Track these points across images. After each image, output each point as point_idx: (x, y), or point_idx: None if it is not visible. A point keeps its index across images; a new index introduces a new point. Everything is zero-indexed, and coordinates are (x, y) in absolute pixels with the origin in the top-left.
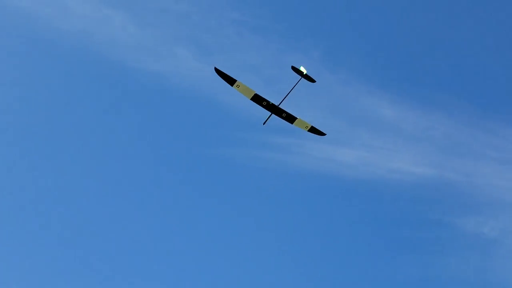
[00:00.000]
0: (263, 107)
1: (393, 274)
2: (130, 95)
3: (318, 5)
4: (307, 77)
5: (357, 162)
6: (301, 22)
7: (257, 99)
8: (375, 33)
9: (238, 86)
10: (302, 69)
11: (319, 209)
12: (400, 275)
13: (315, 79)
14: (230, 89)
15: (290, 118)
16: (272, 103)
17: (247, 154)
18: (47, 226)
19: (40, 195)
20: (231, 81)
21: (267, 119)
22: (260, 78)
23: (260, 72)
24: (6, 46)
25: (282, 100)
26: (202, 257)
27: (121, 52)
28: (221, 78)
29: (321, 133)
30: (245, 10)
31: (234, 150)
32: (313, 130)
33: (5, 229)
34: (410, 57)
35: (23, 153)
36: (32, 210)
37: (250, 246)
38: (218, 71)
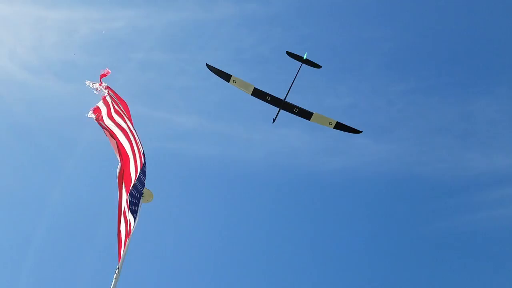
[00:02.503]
0: (267, 102)
1: None
2: (333, 193)
3: (477, 43)
4: (308, 62)
5: None
6: (468, 66)
7: (258, 93)
8: None
9: (234, 81)
10: (305, 57)
11: None
12: None
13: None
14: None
15: (305, 114)
16: (277, 98)
17: (467, 220)
18: None
19: None
20: (226, 77)
21: (276, 115)
22: (453, 134)
23: (451, 130)
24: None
25: (288, 93)
26: None
27: (302, 158)
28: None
29: (355, 131)
30: (410, 79)
31: (451, 221)
32: (341, 126)
33: None
34: None
35: None
36: None
37: None
38: (210, 68)
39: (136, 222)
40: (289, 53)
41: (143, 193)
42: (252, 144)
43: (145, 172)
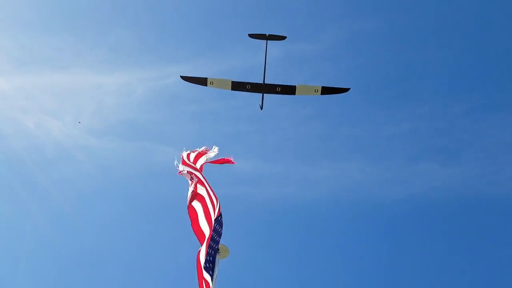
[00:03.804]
0: (249, 91)
1: None
2: (403, 223)
3: None
4: (272, 37)
5: None
6: None
7: (238, 86)
8: None
9: (211, 83)
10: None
11: None
12: None
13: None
14: None
15: (289, 89)
16: (256, 83)
17: None
18: None
19: None
20: (203, 81)
21: (262, 101)
22: None
23: None
24: None
25: (264, 75)
26: None
27: (367, 191)
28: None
29: (343, 90)
30: (470, 98)
31: None
32: (328, 90)
33: None
34: None
35: None
36: None
37: None
38: (185, 78)
39: (215, 280)
40: (251, 35)
41: (218, 249)
42: (313, 182)
43: (221, 223)
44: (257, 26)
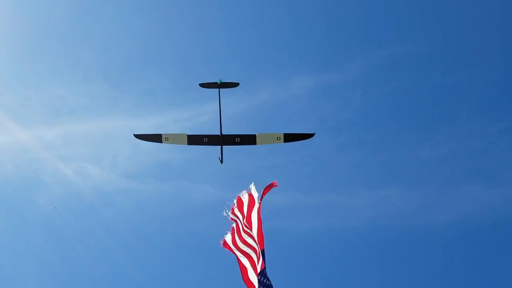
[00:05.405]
0: (206, 144)
1: None
2: (451, 248)
3: None
4: (225, 84)
5: None
6: None
7: (194, 140)
8: None
9: (166, 139)
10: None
11: None
12: None
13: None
14: None
15: (249, 139)
16: (214, 135)
17: None
18: None
19: None
20: (157, 138)
21: (221, 154)
22: None
23: None
24: None
25: (221, 126)
26: None
27: (409, 217)
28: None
29: (307, 136)
30: (507, 116)
31: None
32: (291, 137)
33: None
34: None
35: None
36: None
37: None
38: (138, 136)
39: None
40: (202, 85)
41: None
42: (351, 212)
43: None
44: (283, 64)
